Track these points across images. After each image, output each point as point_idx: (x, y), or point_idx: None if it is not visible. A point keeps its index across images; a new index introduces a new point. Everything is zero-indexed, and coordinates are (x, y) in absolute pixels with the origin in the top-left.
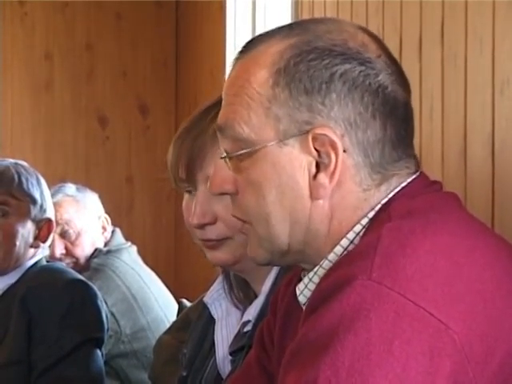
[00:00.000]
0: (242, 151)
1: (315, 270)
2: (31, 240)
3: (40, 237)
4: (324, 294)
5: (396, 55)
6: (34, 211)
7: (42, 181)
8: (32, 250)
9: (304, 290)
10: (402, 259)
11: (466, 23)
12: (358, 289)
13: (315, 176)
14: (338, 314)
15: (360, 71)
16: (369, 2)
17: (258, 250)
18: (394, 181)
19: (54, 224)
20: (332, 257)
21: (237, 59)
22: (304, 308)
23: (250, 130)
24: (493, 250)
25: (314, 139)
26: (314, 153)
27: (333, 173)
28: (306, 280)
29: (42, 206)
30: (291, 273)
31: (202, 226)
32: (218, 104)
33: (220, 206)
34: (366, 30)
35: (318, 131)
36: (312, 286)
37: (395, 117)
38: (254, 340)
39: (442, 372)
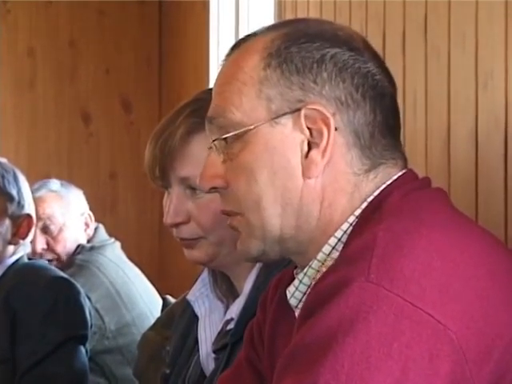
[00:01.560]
0: (233, 132)
1: (304, 271)
2: (9, 237)
3: (19, 233)
4: (321, 297)
5: (379, 51)
6: (12, 208)
7: (21, 177)
8: (12, 247)
9: (295, 293)
10: (400, 260)
11: (449, 19)
12: (356, 291)
13: (307, 155)
14: (336, 317)
15: (350, 55)
16: None
17: (250, 240)
18: (381, 171)
19: (34, 220)
20: (321, 256)
21: (228, 56)
22: (297, 311)
23: (241, 114)
24: (484, 246)
25: (306, 117)
26: (306, 131)
27: (325, 149)
28: (296, 282)
29: (19, 203)
30: (279, 272)
31: (175, 225)
32: (189, 104)
33: (193, 206)
34: (353, 30)
35: (310, 106)
36: (303, 288)
37: (384, 104)
38: (244, 339)
39: (441, 373)
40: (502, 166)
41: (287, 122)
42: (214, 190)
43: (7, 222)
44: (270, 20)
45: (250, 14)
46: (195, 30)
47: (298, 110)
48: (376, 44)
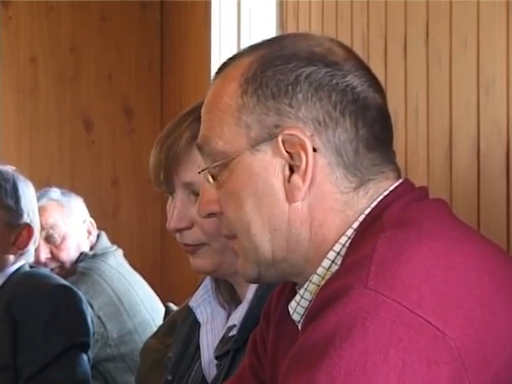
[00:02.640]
0: (217, 163)
1: (305, 286)
2: (7, 246)
3: (18, 243)
4: (321, 304)
5: (381, 56)
6: (8, 217)
7: (22, 186)
8: (11, 257)
9: (297, 308)
10: (398, 267)
11: (451, 23)
12: (354, 297)
13: (289, 179)
14: (334, 323)
15: (326, 72)
16: (354, 3)
17: (246, 264)
18: (372, 186)
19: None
20: (321, 271)
21: (213, 80)
22: (300, 326)
23: (223, 143)
24: (488, 256)
25: (284, 142)
26: (286, 155)
27: (305, 172)
28: (297, 298)
29: (17, 212)
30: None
31: (179, 231)
32: (195, 110)
33: None
34: (334, 40)
35: (287, 132)
36: (304, 303)
37: (367, 117)
38: (248, 347)
39: (439, 380)
40: (503, 173)
41: (267, 148)
42: (212, 215)
43: (4, 231)
44: (271, 23)
45: (251, 19)
46: (197, 36)
47: (276, 135)
48: (377, 49)
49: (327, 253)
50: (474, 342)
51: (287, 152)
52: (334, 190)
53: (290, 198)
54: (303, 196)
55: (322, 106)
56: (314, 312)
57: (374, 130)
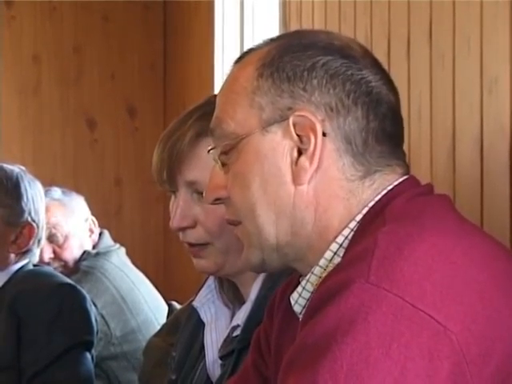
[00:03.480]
0: (227, 142)
1: (307, 277)
2: (7, 244)
3: (18, 241)
4: (322, 298)
5: (384, 56)
6: (7, 216)
7: (24, 185)
8: (12, 255)
9: (298, 299)
10: (400, 262)
11: (454, 23)
12: (355, 292)
13: (297, 161)
14: (336, 318)
15: (343, 62)
16: (357, 3)
17: (250, 250)
18: (378, 178)
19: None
20: (323, 262)
21: (232, 68)
22: (301, 318)
23: (235, 124)
24: (489, 251)
25: (295, 124)
26: (296, 138)
27: (312, 154)
28: (299, 289)
29: (17, 211)
30: (285, 278)
31: (181, 229)
32: (199, 108)
33: (200, 211)
34: (354, 39)
35: (298, 113)
36: (306, 295)
37: (379, 111)
38: (251, 345)
39: (440, 374)
40: (507, 171)
41: (277, 130)
42: (218, 201)
43: (3, 229)
44: (275, 22)
45: (254, 19)
46: (200, 35)
47: (287, 117)
48: (381, 49)
49: (330, 241)
50: (475, 337)
51: (297, 135)
52: (340, 177)
53: (296, 180)
54: (309, 179)
55: (336, 94)
56: (315, 306)
57: (384, 124)
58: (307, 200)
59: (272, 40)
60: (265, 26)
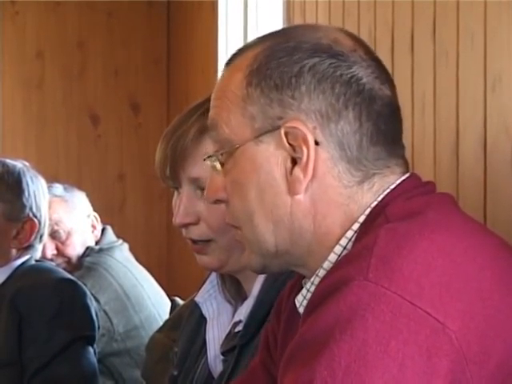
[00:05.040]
0: (222, 151)
1: (312, 279)
2: (8, 240)
3: (19, 237)
4: (321, 296)
5: (388, 53)
6: (8, 211)
7: (26, 180)
8: (14, 251)
9: (303, 302)
10: (399, 260)
11: (458, 20)
12: (354, 289)
13: (291, 171)
14: (334, 315)
15: (330, 63)
16: (360, 1)
17: (251, 255)
18: (377, 180)
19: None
20: (327, 265)
21: (224, 69)
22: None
23: (229, 131)
24: (491, 249)
25: (287, 134)
26: (289, 148)
27: (306, 165)
28: (303, 291)
29: (17, 206)
30: (290, 275)
31: (185, 226)
32: (203, 104)
33: (203, 207)
34: (342, 30)
35: (289, 124)
36: (309, 297)
37: (372, 109)
38: (260, 344)
39: (439, 372)
40: (510, 169)
41: (270, 140)
42: (218, 202)
43: (4, 224)
44: (278, 20)
45: (258, 14)
46: (203, 31)
47: (279, 127)
48: (384, 46)
49: (332, 246)
50: (474, 335)
51: (290, 144)
52: (336, 184)
53: (291, 190)
54: (305, 189)
55: (325, 98)
56: (315, 303)
57: (379, 122)
58: (305, 209)
59: (260, 40)
60: (268, 22)
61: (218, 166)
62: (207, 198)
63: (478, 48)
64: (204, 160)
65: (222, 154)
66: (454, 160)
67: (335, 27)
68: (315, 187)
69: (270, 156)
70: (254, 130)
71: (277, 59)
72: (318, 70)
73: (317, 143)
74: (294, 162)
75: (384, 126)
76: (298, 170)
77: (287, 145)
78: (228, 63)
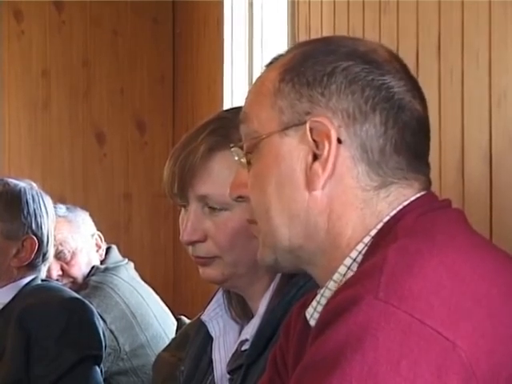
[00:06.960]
0: (249, 141)
1: (321, 291)
2: (8, 258)
3: (20, 255)
4: (331, 314)
5: None
6: (6, 229)
7: (26, 199)
8: (15, 270)
9: (314, 314)
10: (409, 278)
11: (463, 37)
12: (364, 308)
13: (311, 166)
14: (344, 334)
15: (363, 68)
16: (365, 18)
17: (264, 249)
18: (393, 191)
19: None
20: (337, 277)
21: (261, 72)
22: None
23: (258, 123)
24: (500, 267)
25: (312, 129)
26: (312, 143)
27: (326, 161)
28: (314, 303)
29: (15, 224)
30: (296, 293)
31: (192, 243)
32: (212, 122)
33: (211, 225)
34: (382, 45)
35: (314, 119)
36: (320, 309)
37: (399, 118)
38: (268, 363)
39: None
40: None
41: (295, 133)
42: (240, 199)
43: (2, 242)
44: (283, 36)
45: (263, 30)
46: (209, 48)
47: (305, 121)
48: None
49: (342, 249)
50: (484, 353)
51: (313, 140)
52: (354, 185)
53: (309, 185)
54: (322, 185)
55: (354, 99)
56: (324, 321)
57: (404, 132)
58: (321, 206)
59: (299, 45)
60: (274, 39)
61: (244, 159)
62: (230, 193)
63: (482, 64)
64: (231, 148)
65: (248, 146)
66: (460, 175)
67: (376, 42)
68: (333, 185)
69: (293, 150)
70: (281, 122)
71: (313, 59)
72: (350, 71)
73: (340, 141)
74: (316, 157)
75: (410, 138)
76: (317, 165)
77: (311, 140)
78: (267, 65)
